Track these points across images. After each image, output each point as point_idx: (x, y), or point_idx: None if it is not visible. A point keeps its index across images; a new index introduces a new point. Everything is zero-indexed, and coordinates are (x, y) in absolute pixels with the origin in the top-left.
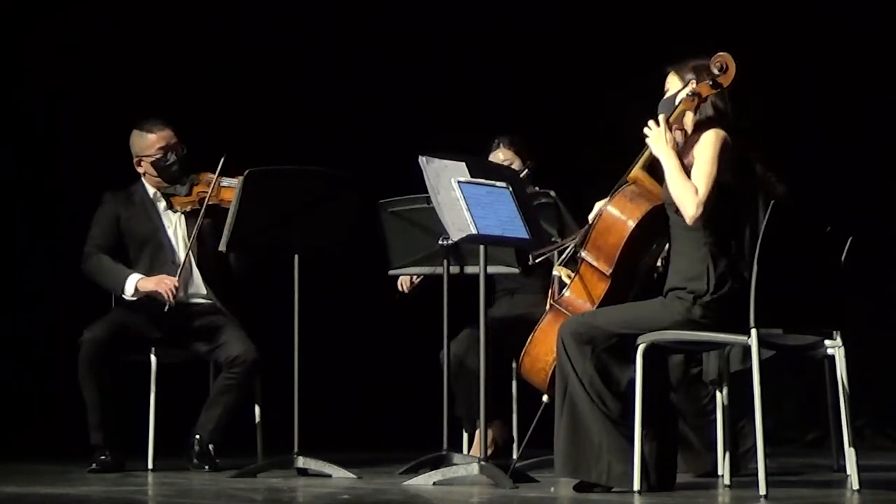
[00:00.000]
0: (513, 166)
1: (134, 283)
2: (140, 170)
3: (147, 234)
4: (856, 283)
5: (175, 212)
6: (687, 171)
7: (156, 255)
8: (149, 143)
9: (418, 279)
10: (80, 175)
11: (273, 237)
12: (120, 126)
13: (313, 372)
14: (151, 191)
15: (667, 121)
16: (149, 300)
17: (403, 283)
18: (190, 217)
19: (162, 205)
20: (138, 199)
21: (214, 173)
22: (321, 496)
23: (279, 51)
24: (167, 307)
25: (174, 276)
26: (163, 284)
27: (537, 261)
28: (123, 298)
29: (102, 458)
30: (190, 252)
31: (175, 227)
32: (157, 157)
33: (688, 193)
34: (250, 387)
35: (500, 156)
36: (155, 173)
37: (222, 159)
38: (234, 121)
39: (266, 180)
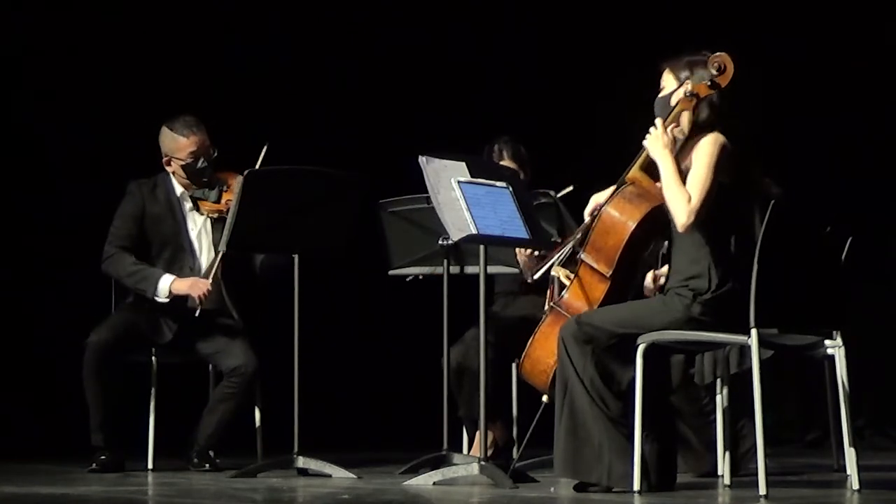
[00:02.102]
0: None
1: (168, 285)
2: (169, 168)
3: (170, 235)
4: (856, 283)
5: (201, 214)
6: (684, 175)
7: (175, 258)
8: (180, 146)
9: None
10: (84, 174)
11: (273, 237)
12: (123, 126)
13: (313, 372)
14: (178, 189)
15: (664, 123)
16: (178, 301)
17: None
18: (216, 223)
19: (188, 205)
20: (163, 195)
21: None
22: (321, 496)
23: (279, 50)
24: (197, 311)
25: (196, 310)
26: (196, 288)
27: (535, 277)
28: (149, 298)
29: (102, 458)
30: (217, 260)
31: (199, 230)
32: (188, 161)
33: (681, 201)
34: (250, 396)
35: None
36: (184, 175)
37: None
38: (234, 121)
39: (266, 180)
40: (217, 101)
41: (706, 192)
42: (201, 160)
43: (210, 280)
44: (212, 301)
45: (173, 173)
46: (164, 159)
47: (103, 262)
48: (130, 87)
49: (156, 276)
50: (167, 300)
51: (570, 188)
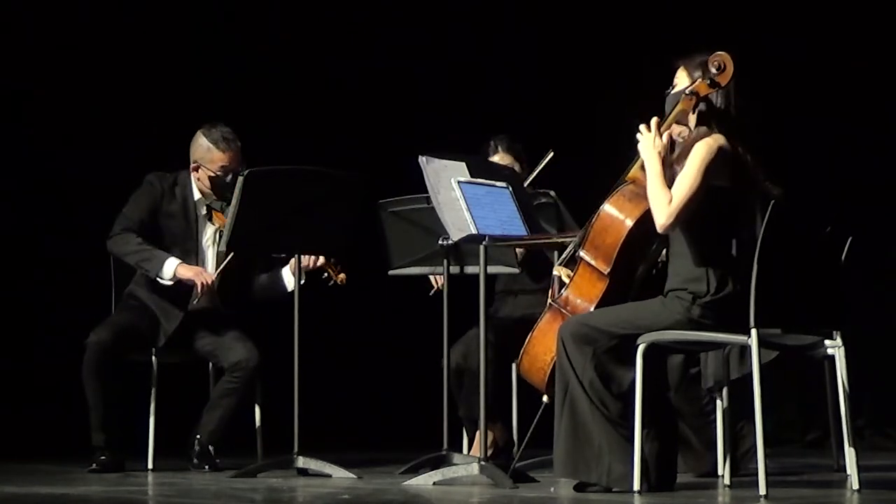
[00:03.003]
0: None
1: (174, 268)
2: (195, 174)
3: (179, 235)
4: (856, 283)
5: (213, 224)
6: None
7: (182, 260)
8: (214, 158)
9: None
10: (86, 173)
11: (273, 237)
12: (124, 126)
13: (313, 372)
14: (197, 194)
15: (658, 125)
16: (181, 290)
17: (437, 279)
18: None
19: (203, 211)
20: (181, 194)
21: None
22: (321, 496)
23: (279, 50)
24: (195, 300)
25: (195, 299)
26: (201, 277)
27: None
28: (133, 290)
29: (102, 458)
30: (226, 261)
31: (209, 238)
32: (217, 174)
33: (662, 201)
34: (251, 391)
35: (496, 160)
36: (208, 186)
37: (241, 178)
38: (234, 121)
39: (266, 180)
40: (217, 102)
41: (689, 195)
42: (230, 176)
43: (216, 275)
44: (209, 303)
45: (198, 179)
46: (193, 165)
47: (109, 240)
48: (131, 88)
49: (162, 257)
50: (170, 283)
51: (551, 154)
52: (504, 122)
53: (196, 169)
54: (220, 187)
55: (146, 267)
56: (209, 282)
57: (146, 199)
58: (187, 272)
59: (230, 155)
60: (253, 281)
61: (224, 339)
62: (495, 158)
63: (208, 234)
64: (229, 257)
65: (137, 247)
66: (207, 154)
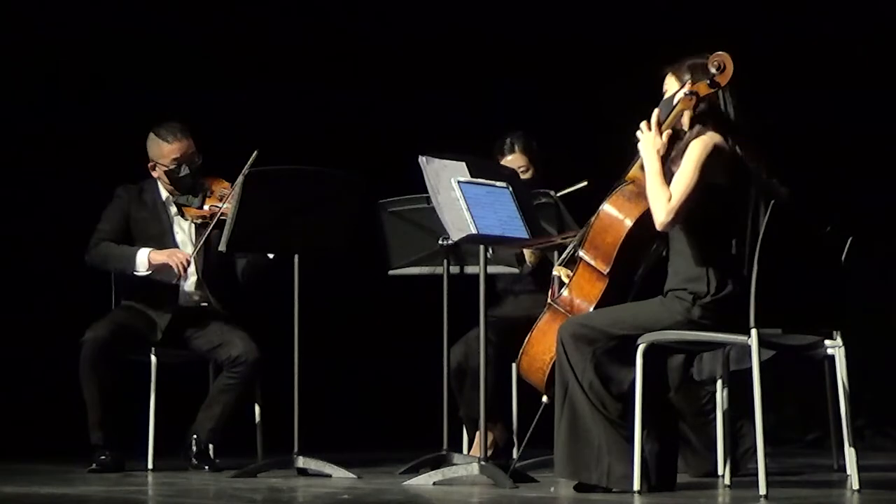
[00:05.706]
0: (525, 174)
1: (146, 256)
2: (154, 174)
3: (156, 237)
4: (856, 283)
5: (186, 220)
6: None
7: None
8: (164, 151)
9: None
10: (82, 172)
11: (273, 237)
12: (124, 125)
13: (313, 372)
14: (164, 194)
15: (658, 124)
16: (156, 284)
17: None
18: (200, 227)
19: (174, 209)
20: (150, 199)
21: (228, 184)
22: (321, 496)
23: (279, 50)
24: (177, 280)
25: (177, 280)
26: (174, 257)
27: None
28: (123, 299)
29: (102, 458)
30: (195, 260)
31: (185, 235)
32: (172, 167)
33: (661, 199)
34: (251, 387)
35: (511, 159)
36: (168, 181)
37: (241, 178)
38: (234, 121)
39: (266, 180)
40: (217, 102)
41: (687, 192)
42: (184, 167)
43: (191, 254)
44: (200, 298)
45: (158, 178)
46: (150, 164)
47: (87, 255)
48: (131, 88)
49: (133, 251)
50: (148, 273)
51: (584, 183)
52: (504, 121)
53: (153, 168)
54: (178, 181)
55: (122, 266)
56: (184, 260)
57: (117, 211)
58: (159, 256)
59: (178, 145)
60: (235, 264)
61: (222, 336)
62: (509, 158)
63: (184, 229)
64: (196, 252)
65: (114, 250)
66: (158, 150)
